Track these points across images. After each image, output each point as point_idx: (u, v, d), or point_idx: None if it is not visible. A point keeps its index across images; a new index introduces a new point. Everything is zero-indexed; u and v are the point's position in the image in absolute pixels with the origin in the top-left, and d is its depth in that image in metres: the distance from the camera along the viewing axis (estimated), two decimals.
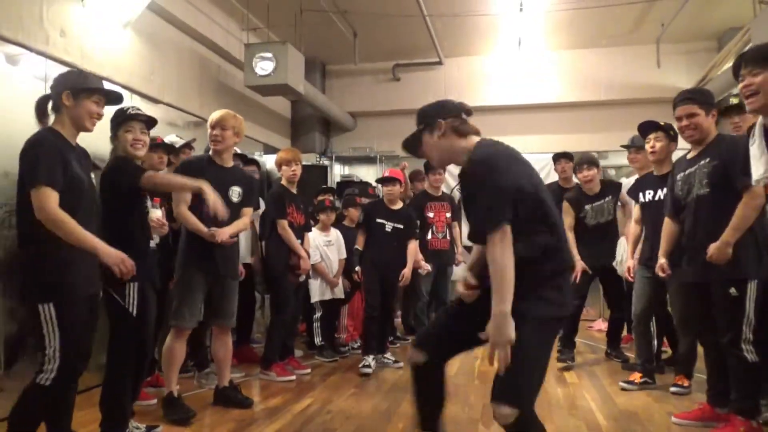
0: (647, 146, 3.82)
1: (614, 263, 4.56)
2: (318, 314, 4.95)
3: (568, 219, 4.55)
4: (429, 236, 5.36)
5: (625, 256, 4.40)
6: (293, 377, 4.12)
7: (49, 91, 2.43)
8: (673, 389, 3.72)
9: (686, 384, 3.71)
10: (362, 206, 5.12)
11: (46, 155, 2.24)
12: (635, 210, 4.07)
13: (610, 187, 4.69)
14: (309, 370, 4.38)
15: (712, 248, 2.81)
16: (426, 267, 4.89)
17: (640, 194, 3.91)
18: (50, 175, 2.22)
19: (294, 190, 4.32)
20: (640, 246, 3.96)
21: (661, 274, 3.34)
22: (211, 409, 3.39)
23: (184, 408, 3.18)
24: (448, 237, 5.49)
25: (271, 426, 3.11)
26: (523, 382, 1.87)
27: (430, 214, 5.45)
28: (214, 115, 3.39)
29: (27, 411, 2.28)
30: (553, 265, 1.98)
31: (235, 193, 3.39)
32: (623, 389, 3.85)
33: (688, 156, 3.14)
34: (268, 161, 6.29)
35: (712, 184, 2.91)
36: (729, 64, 5.93)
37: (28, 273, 2.26)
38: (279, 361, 4.20)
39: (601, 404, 3.55)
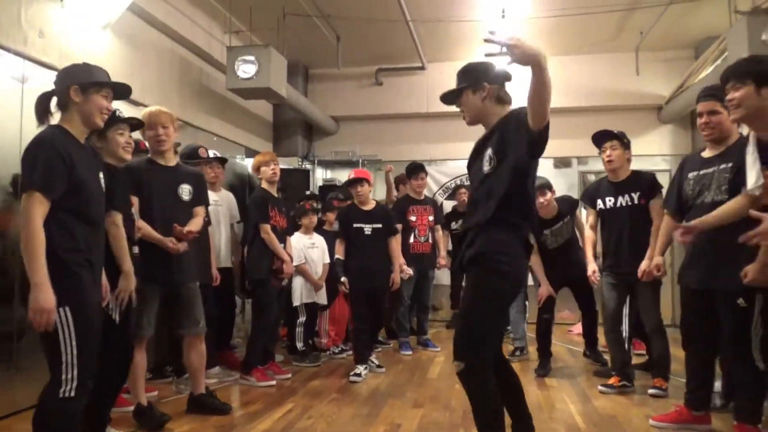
0: (603, 156, 3.84)
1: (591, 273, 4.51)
2: (301, 319, 4.92)
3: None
4: (411, 240, 5.38)
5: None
6: (273, 382, 4.08)
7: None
8: (651, 391, 3.77)
9: (664, 386, 3.76)
10: (338, 214, 5.08)
11: (46, 158, 2.11)
12: (590, 216, 4.06)
13: (566, 206, 4.62)
14: (290, 375, 4.34)
15: (753, 271, 2.48)
16: (408, 271, 4.93)
17: (598, 201, 3.92)
18: (46, 180, 2.09)
19: (275, 194, 4.30)
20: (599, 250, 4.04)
21: (656, 273, 3.35)
22: (189, 416, 3.34)
23: (156, 415, 3.12)
24: (430, 241, 5.53)
25: (251, 431, 3.09)
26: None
27: (413, 218, 5.46)
28: (151, 115, 3.22)
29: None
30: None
31: (185, 191, 3.31)
32: (601, 392, 3.89)
33: (704, 154, 3.01)
34: (250, 165, 6.25)
35: (731, 191, 2.76)
36: (706, 73, 6.04)
37: None
38: (260, 366, 4.16)
39: (580, 407, 3.57)
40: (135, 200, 3.10)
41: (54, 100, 2.32)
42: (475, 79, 2.42)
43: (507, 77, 2.46)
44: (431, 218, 5.53)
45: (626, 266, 3.72)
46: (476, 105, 2.42)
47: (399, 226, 5.00)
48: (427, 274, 5.54)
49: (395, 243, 4.61)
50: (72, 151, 2.20)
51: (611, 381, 3.94)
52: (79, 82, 2.28)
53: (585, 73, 7.45)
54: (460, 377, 2.27)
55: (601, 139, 3.87)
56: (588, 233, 4.16)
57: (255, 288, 4.24)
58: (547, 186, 4.50)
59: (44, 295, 2.03)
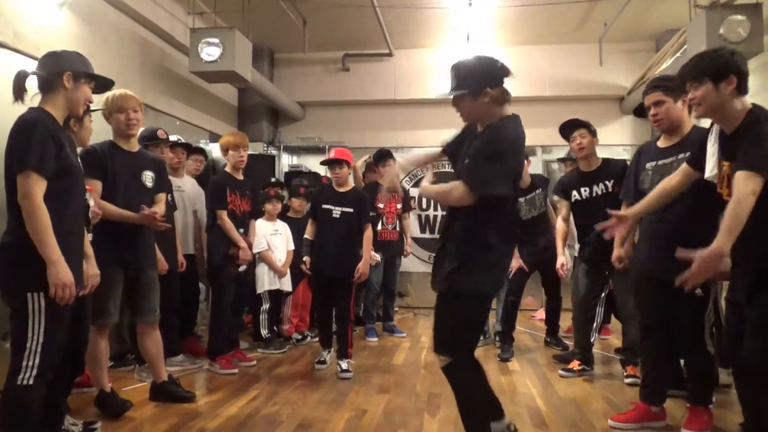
0: (573, 144, 3.89)
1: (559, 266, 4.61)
2: (265, 306, 4.89)
3: None
4: (379, 227, 5.40)
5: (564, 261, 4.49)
6: (236, 370, 4.05)
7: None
8: (628, 381, 3.77)
9: (638, 374, 3.78)
10: (312, 193, 5.04)
11: (40, 138, 2.12)
12: (563, 209, 4.10)
13: (540, 180, 4.80)
14: (254, 363, 4.32)
15: (716, 247, 2.40)
16: (376, 258, 4.88)
17: (573, 193, 3.94)
18: (41, 160, 2.11)
19: (239, 176, 4.22)
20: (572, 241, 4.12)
21: (617, 265, 3.36)
22: (151, 404, 3.30)
23: (118, 401, 3.09)
24: (397, 228, 5.59)
25: (216, 419, 3.06)
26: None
27: (380, 205, 5.48)
28: (121, 98, 3.15)
29: (19, 422, 2.11)
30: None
31: (148, 178, 3.26)
32: (562, 376, 3.98)
33: (660, 144, 3.02)
34: (215, 150, 6.14)
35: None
36: (666, 65, 6.18)
37: (17, 260, 2.13)
38: (225, 353, 4.12)
39: (541, 391, 3.66)
40: (96, 184, 3.02)
41: (32, 81, 2.29)
42: (477, 84, 2.37)
43: (506, 73, 2.47)
44: (399, 206, 5.55)
45: (598, 255, 3.76)
46: (477, 110, 2.43)
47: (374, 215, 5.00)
48: (395, 261, 5.61)
49: (368, 233, 4.14)
50: (59, 133, 2.23)
51: (571, 365, 4.04)
52: (73, 70, 2.30)
53: (549, 63, 7.54)
54: (445, 371, 2.32)
55: (568, 128, 3.91)
56: (560, 225, 4.17)
57: (212, 274, 4.19)
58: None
59: (63, 270, 2.11)
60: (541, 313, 6.33)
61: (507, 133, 2.36)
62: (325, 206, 4.16)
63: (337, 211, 4.12)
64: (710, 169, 2.45)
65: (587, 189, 3.89)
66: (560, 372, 4.05)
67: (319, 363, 4.23)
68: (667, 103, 2.90)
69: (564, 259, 4.16)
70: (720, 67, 2.27)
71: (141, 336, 3.30)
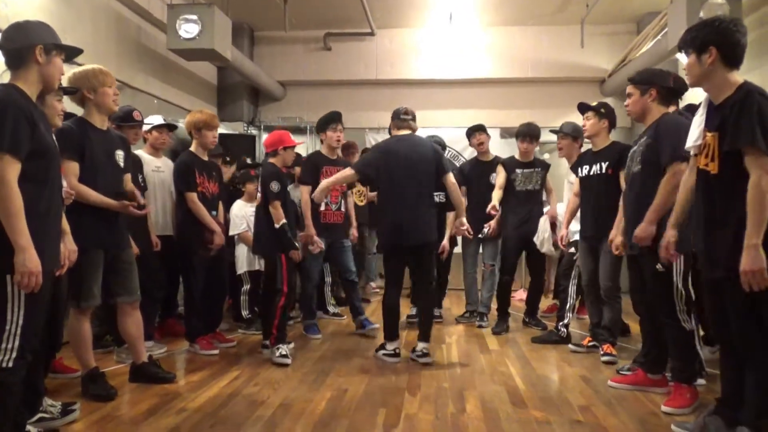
0: (582, 126, 4.08)
1: (535, 239, 4.79)
2: (246, 287, 4.88)
3: (500, 177, 4.94)
4: (322, 207, 4.63)
5: (546, 235, 4.75)
6: (216, 351, 4.05)
7: None
8: (604, 359, 3.86)
9: (615, 352, 3.91)
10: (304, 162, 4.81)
11: (13, 118, 2.04)
12: (575, 183, 4.23)
13: (541, 163, 5.08)
14: (235, 343, 4.32)
15: (638, 230, 2.97)
16: (319, 244, 4.44)
17: (579, 169, 4.10)
18: (14, 141, 2.03)
19: (205, 157, 4.15)
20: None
21: (614, 252, 3.49)
22: (131, 385, 3.29)
23: (107, 385, 3.08)
24: (342, 209, 4.83)
25: (197, 399, 3.07)
26: None
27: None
28: (101, 73, 3.07)
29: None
30: None
31: (120, 157, 3.20)
32: (573, 352, 4.09)
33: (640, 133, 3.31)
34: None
35: (643, 162, 3.08)
36: (647, 47, 6.22)
37: None
38: (204, 333, 4.11)
39: (520, 370, 3.72)
40: (74, 166, 2.96)
41: None
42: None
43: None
44: (344, 183, 4.62)
45: (590, 230, 3.95)
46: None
47: (303, 188, 4.51)
48: (342, 243, 4.85)
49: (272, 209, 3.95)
50: (33, 111, 2.14)
51: (584, 342, 4.14)
52: (44, 43, 2.20)
53: (531, 45, 7.54)
54: None
55: (582, 109, 4.08)
56: (571, 199, 4.32)
57: (182, 258, 4.14)
58: (525, 134, 4.93)
59: (31, 257, 2.03)
60: (521, 294, 6.42)
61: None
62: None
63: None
64: (693, 139, 2.53)
65: (588, 167, 4.00)
66: (570, 347, 4.14)
67: (283, 357, 3.86)
68: (634, 95, 3.19)
69: (565, 232, 4.29)
70: (700, 39, 2.35)
71: (122, 316, 3.27)
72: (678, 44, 2.48)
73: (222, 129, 5.89)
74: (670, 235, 2.71)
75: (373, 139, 7.67)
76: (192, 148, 4.12)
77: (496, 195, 4.83)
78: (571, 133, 4.43)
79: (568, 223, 4.31)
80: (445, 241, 4.99)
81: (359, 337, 4.66)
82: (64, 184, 2.86)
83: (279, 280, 3.95)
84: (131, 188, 3.28)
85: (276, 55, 7.85)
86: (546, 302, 5.52)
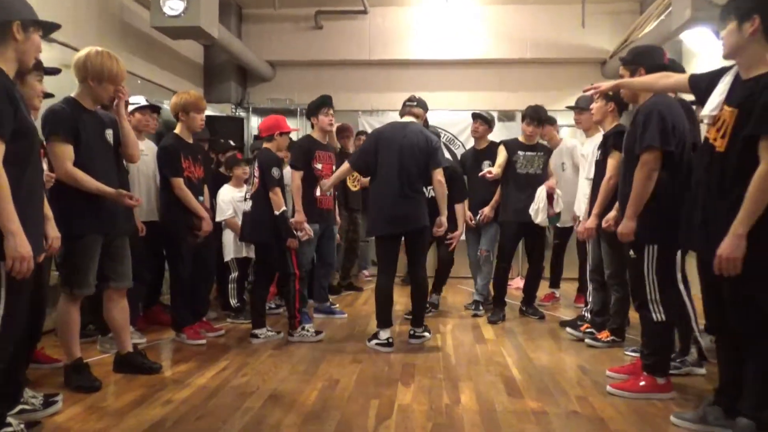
0: None
1: (530, 210, 4.79)
2: (233, 274, 4.88)
3: (501, 157, 4.98)
4: (317, 193, 4.63)
5: (542, 205, 4.76)
6: (204, 341, 4.06)
7: None
8: (590, 342, 4.00)
9: (606, 338, 3.98)
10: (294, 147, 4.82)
11: None
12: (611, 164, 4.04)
13: (543, 147, 5.16)
14: (222, 332, 4.33)
15: (620, 227, 3.03)
16: (308, 231, 4.43)
17: (597, 152, 4.08)
18: (0, 122, 2.01)
19: (190, 140, 4.12)
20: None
21: (579, 237, 3.62)
22: (115, 375, 3.30)
23: (90, 376, 3.08)
24: (331, 194, 4.83)
25: (184, 390, 3.08)
26: None
27: (318, 166, 4.67)
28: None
29: None
30: None
31: (110, 136, 3.20)
32: (590, 346, 4.04)
33: None
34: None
35: (625, 149, 3.12)
36: (650, 27, 6.20)
37: None
38: (191, 323, 4.11)
39: (516, 360, 3.75)
40: (68, 149, 2.94)
41: None
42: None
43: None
44: (335, 168, 4.76)
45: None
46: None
47: (294, 174, 4.50)
48: (333, 232, 4.98)
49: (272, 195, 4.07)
50: (14, 90, 2.12)
51: (601, 335, 4.07)
52: (22, 18, 2.15)
53: (530, 24, 7.51)
54: None
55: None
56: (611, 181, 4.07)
57: (168, 245, 4.14)
58: (531, 117, 4.99)
59: (22, 242, 2.04)
60: (518, 282, 6.45)
61: None
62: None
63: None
64: (710, 108, 2.46)
65: (600, 152, 3.99)
66: (587, 341, 4.10)
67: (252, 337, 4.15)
68: (624, 77, 3.15)
69: (594, 221, 3.83)
70: (746, 6, 2.29)
71: (108, 303, 3.27)
72: (721, 11, 2.42)
73: (209, 111, 5.85)
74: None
75: (366, 122, 7.66)
76: (177, 131, 4.08)
77: (496, 171, 4.90)
78: (587, 108, 4.37)
79: (600, 211, 3.84)
80: (458, 232, 4.94)
81: (351, 327, 4.67)
82: (45, 166, 2.85)
83: (289, 264, 4.13)
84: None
85: (265, 34, 7.78)
86: (543, 291, 5.55)
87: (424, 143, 4.09)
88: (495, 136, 5.44)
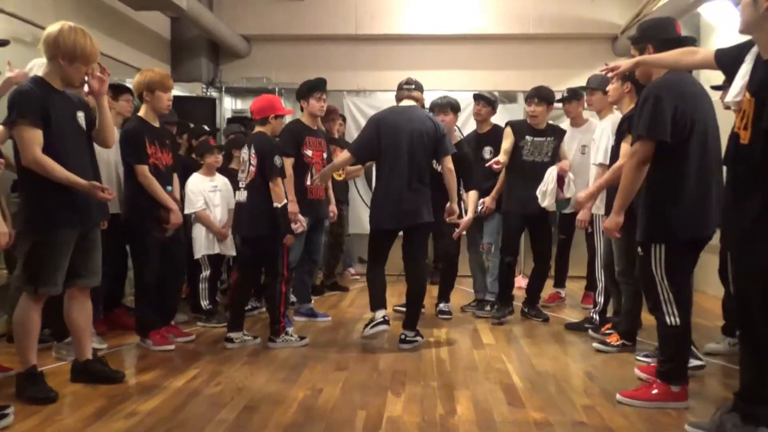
0: None
1: (538, 192, 4.77)
2: (205, 273, 4.86)
3: (506, 142, 4.94)
4: (307, 182, 4.69)
5: (551, 187, 4.73)
6: (172, 346, 4.05)
7: None
8: (597, 346, 4.06)
9: (617, 342, 4.01)
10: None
11: None
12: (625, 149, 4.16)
13: (553, 130, 5.07)
14: (193, 337, 4.33)
15: (607, 221, 3.11)
16: (302, 223, 4.41)
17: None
18: None
19: (156, 123, 4.11)
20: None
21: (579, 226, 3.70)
22: (73, 386, 3.28)
23: (45, 386, 3.06)
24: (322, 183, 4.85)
25: (149, 401, 3.07)
26: None
27: (308, 152, 4.73)
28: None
29: None
30: None
31: (81, 118, 3.21)
32: (598, 350, 4.07)
33: None
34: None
35: (617, 135, 3.17)
36: (664, 0, 6.21)
37: None
38: (157, 327, 4.10)
39: (517, 366, 3.78)
40: (37, 134, 2.93)
41: None
42: None
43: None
44: (325, 155, 4.93)
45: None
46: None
47: (285, 161, 4.39)
48: (323, 225, 5.05)
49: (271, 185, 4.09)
50: None
51: (610, 339, 4.10)
52: None
53: None
54: None
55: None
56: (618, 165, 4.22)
57: (134, 240, 4.12)
58: (532, 95, 4.99)
59: None
60: (520, 281, 6.47)
61: None
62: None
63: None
64: (734, 94, 2.48)
65: (615, 138, 4.01)
66: (595, 345, 4.13)
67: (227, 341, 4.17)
68: (635, 56, 3.17)
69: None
70: None
71: (71, 302, 3.26)
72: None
73: (177, 91, 5.82)
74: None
75: (351, 104, 7.65)
76: (141, 113, 4.06)
77: (502, 157, 4.89)
78: (599, 87, 4.41)
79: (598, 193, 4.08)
80: (466, 218, 4.91)
81: (336, 330, 4.68)
82: None
83: (279, 263, 4.13)
84: None
85: (239, 5, 7.73)
86: (547, 290, 5.57)
87: (432, 130, 4.18)
88: (495, 119, 5.44)
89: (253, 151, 4.11)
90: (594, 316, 4.48)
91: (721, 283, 3.96)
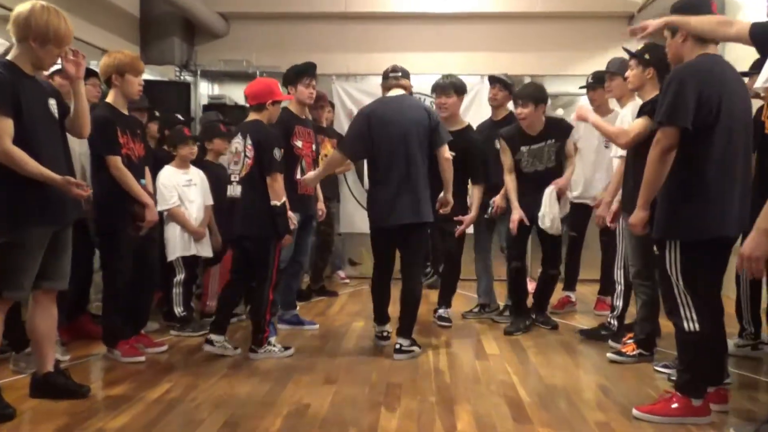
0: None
1: (539, 215, 4.76)
2: (179, 276, 4.85)
3: (506, 159, 4.88)
4: (297, 175, 4.67)
5: (553, 211, 4.69)
6: (143, 358, 4.05)
7: None
8: (611, 356, 4.07)
9: (633, 352, 4.03)
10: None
11: None
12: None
13: (555, 129, 4.89)
14: (165, 348, 4.32)
15: (631, 216, 3.16)
16: (293, 220, 4.36)
17: None
18: None
19: (125, 111, 4.10)
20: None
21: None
22: (33, 401, 3.27)
23: (2, 402, 3.05)
24: None
25: (118, 418, 3.07)
26: None
27: (298, 143, 4.73)
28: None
29: None
30: None
31: (53, 107, 3.21)
32: (613, 361, 4.07)
33: None
34: None
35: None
36: None
37: None
38: (127, 336, 4.09)
39: (524, 378, 3.79)
40: (7, 124, 2.92)
41: None
42: None
43: None
44: (314, 147, 4.95)
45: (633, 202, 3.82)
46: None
47: (282, 154, 4.30)
48: (311, 223, 5.04)
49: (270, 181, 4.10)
50: None
51: (626, 349, 4.10)
52: None
53: None
54: None
55: (629, 57, 4.05)
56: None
57: (105, 239, 4.10)
58: (523, 96, 4.78)
59: None
60: (533, 286, 6.45)
61: None
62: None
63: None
64: (763, 80, 2.57)
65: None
66: (609, 356, 4.12)
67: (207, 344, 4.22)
68: (668, 39, 3.14)
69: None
70: None
71: (35, 307, 3.25)
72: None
73: (147, 75, 5.79)
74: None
75: (340, 89, 7.64)
76: (110, 100, 4.04)
77: (509, 184, 4.86)
78: (619, 71, 4.38)
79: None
80: (470, 215, 4.96)
81: (324, 340, 4.69)
82: None
83: (270, 267, 4.13)
84: None
85: None
86: (557, 295, 5.58)
87: (426, 119, 4.21)
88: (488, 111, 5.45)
89: (249, 141, 4.09)
90: (612, 322, 4.47)
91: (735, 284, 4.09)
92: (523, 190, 4.86)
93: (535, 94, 4.79)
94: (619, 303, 4.42)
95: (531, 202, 4.77)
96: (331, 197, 6.21)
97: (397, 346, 4.19)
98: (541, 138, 4.82)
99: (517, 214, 4.78)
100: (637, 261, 3.96)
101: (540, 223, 4.77)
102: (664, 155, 2.92)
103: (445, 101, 4.86)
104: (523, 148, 4.83)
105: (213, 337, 4.17)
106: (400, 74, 4.39)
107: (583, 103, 5.09)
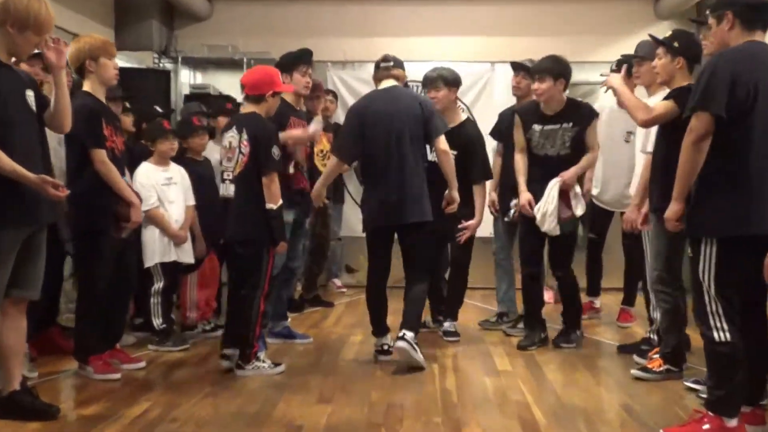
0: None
1: (536, 212, 4.68)
2: (158, 285, 4.84)
3: (519, 136, 4.84)
4: (291, 169, 4.71)
5: (551, 209, 4.59)
6: (118, 375, 4.05)
7: None
8: (636, 372, 4.07)
9: (659, 368, 4.00)
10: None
11: None
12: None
13: (575, 112, 4.77)
14: (143, 364, 4.33)
15: (667, 210, 3.21)
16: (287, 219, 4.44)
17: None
18: None
19: (104, 100, 4.11)
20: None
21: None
22: None
23: None
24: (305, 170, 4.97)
25: None
26: None
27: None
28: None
29: None
30: None
31: (31, 98, 3.24)
32: (637, 378, 4.05)
33: None
34: None
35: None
36: None
37: None
38: (100, 351, 4.10)
39: (539, 397, 3.79)
40: None
41: None
42: None
43: None
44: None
45: (660, 201, 3.72)
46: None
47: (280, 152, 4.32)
48: (304, 226, 5.11)
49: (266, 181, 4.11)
50: None
51: (652, 365, 4.07)
52: None
53: None
54: None
55: (655, 44, 4.04)
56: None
57: (84, 242, 4.09)
58: (541, 70, 4.68)
59: None
60: (549, 295, 6.43)
61: None
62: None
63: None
64: None
65: None
66: (634, 372, 4.10)
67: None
68: (712, 27, 3.16)
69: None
70: None
71: (3, 319, 3.25)
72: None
73: (122, 62, 5.80)
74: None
75: (336, 77, 7.65)
76: (87, 88, 4.04)
77: (519, 163, 4.80)
78: (649, 56, 4.27)
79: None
80: (474, 221, 4.97)
81: (318, 355, 4.69)
82: None
83: (263, 274, 4.14)
84: None
85: None
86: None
87: (419, 109, 4.26)
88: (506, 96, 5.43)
89: (245, 135, 4.08)
90: (652, 336, 4.41)
91: None
92: (530, 175, 4.78)
93: (554, 67, 4.65)
94: (657, 315, 4.36)
95: (537, 190, 4.69)
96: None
97: (401, 334, 4.16)
98: (557, 119, 4.71)
99: (525, 197, 4.71)
100: (659, 264, 3.95)
101: (538, 222, 4.68)
102: (698, 143, 2.95)
103: (434, 95, 4.87)
104: (536, 126, 4.73)
105: (227, 351, 4.18)
106: (391, 64, 4.43)
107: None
